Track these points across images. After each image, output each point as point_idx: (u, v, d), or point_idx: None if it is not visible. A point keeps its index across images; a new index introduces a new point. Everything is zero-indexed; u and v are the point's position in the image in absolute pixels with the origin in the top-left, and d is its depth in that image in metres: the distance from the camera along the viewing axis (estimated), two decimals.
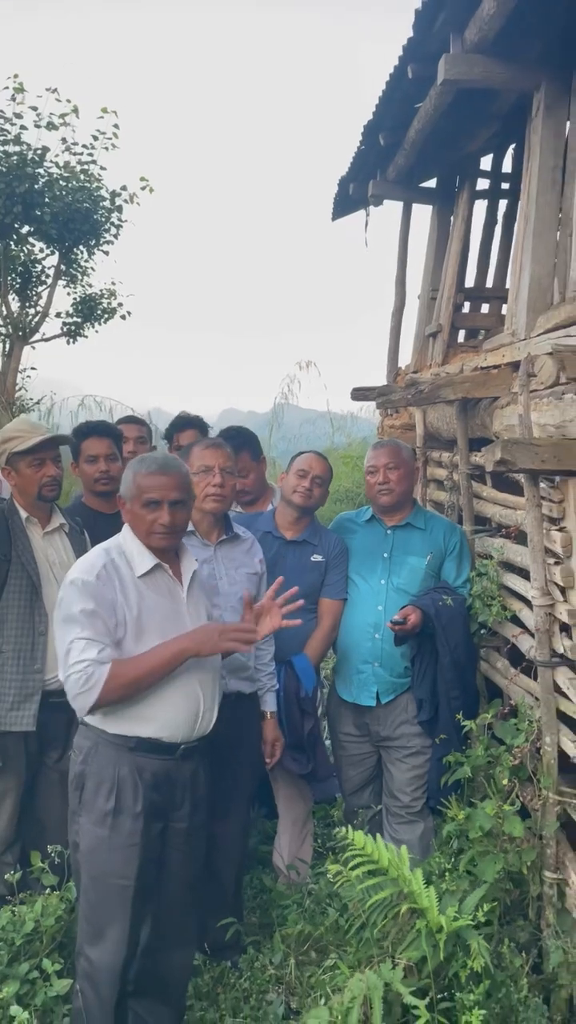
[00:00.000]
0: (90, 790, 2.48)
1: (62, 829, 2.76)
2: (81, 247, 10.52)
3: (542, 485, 2.91)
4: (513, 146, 5.15)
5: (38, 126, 9.75)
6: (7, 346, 10.67)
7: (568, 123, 3.47)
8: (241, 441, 3.84)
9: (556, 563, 2.84)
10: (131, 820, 2.45)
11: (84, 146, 10.13)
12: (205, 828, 2.70)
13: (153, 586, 2.54)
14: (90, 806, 2.47)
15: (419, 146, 4.40)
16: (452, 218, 5.22)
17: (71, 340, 11.10)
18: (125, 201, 10.54)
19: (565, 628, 2.85)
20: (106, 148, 10.25)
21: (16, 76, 9.60)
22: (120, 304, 11.26)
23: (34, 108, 9.71)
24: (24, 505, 3.25)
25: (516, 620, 3.35)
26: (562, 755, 2.85)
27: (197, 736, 2.59)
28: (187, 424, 4.24)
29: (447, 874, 2.82)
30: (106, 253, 10.78)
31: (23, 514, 3.24)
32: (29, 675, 3.13)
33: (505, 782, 2.93)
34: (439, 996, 2.45)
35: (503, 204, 5.38)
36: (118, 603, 2.46)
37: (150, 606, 2.50)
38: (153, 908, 2.58)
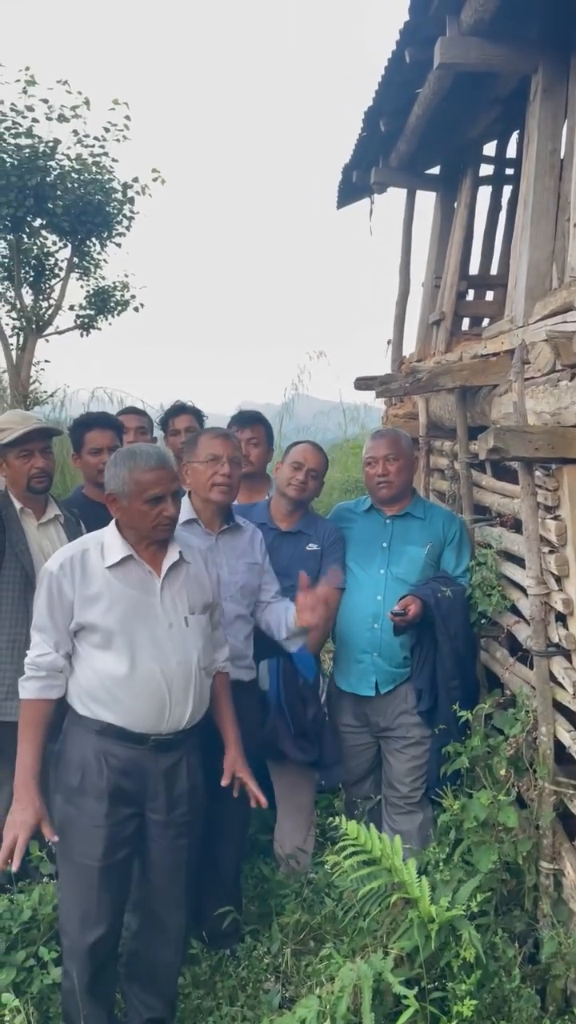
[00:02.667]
0: (63, 768, 2.55)
1: None
2: (93, 239, 10.53)
3: (537, 473, 2.88)
4: (517, 132, 5.08)
5: (49, 119, 9.72)
6: (21, 339, 10.70)
7: (567, 107, 3.41)
8: (256, 417, 4.02)
9: (551, 552, 2.81)
10: (96, 802, 2.49)
11: (95, 138, 10.11)
12: (193, 825, 2.68)
13: (123, 577, 2.54)
14: (62, 784, 2.54)
15: (420, 132, 4.35)
16: (455, 205, 5.15)
17: (84, 333, 11.14)
18: (137, 193, 10.52)
19: (560, 617, 2.83)
20: (117, 140, 10.23)
21: (28, 69, 9.59)
22: (133, 296, 11.28)
23: (45, 101, 9.69)
24: (18, 496, 3.26)
25: (515, 609, 3.32)
26: (558, 745, 2.83)
27: (170, 730, 2.56)
28: (182, 409, 4.33)
29: (442, 864, 2.81)
30: (118, 245, 10.78)
31: (17, 505, 3.26)
32: (23, 666, 3.14)
33: (502, 772, 2.91)
34: (431, 986, 2.45)
35: (507, 190, 5.27)
36: (75, 597, 2.49)
37: (117, 596, 2.51)
38: (137, 896, 2.61)
